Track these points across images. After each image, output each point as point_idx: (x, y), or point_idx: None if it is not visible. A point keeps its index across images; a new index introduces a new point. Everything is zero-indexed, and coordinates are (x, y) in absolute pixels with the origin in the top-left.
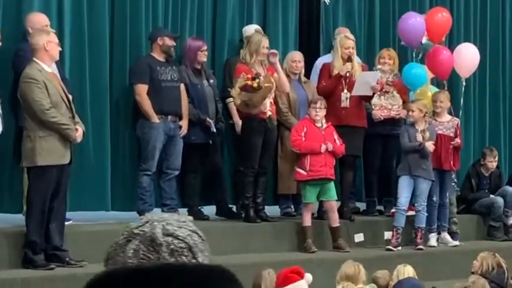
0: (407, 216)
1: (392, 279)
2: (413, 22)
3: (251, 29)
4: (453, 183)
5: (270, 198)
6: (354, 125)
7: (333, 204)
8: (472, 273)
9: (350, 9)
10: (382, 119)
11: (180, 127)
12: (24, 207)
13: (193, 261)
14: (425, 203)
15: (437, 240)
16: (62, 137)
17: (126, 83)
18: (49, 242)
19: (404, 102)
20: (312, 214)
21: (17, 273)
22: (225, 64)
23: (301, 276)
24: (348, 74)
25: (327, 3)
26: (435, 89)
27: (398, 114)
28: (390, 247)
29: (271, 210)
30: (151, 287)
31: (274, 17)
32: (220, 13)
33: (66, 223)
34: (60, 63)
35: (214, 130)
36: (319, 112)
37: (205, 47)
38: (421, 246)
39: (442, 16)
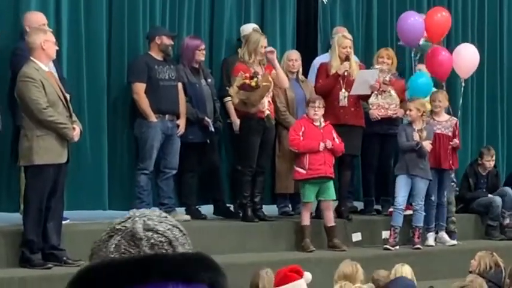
0: (405, 216)
1: (391, 279)
2: (413, 21)
3: (249, 28)
4: (452, 183)
5: (268, 198)
6: (352, 124)
7: (330, 203)
8: (470, 272)
9: (348, 8)
10: (379, 118)
11: (178, 126)
12: (22, 206)
13: None
14: (423, 202)
15: (435, 240)
16: (59, 136)
17: (124, 81)
18: (46, 241)
19: (401, 101)
20: (311, 213)
21: (14, 272)
22: (222, 63)
23: (301, 275)
24: (345, 73)
25: (325, 3)
26: (433, 89)
27: (396, 114)
28: (388, 246)
29: (269, 209)
30: (132, 276)
31: (271, 16)
32: (218, 12)
33: (63, 222)
34: (58, 63)
35: (212, 129)
36: (318, 111)
37: (203, 46)
38: (418, 246)
39: (442, 16)
